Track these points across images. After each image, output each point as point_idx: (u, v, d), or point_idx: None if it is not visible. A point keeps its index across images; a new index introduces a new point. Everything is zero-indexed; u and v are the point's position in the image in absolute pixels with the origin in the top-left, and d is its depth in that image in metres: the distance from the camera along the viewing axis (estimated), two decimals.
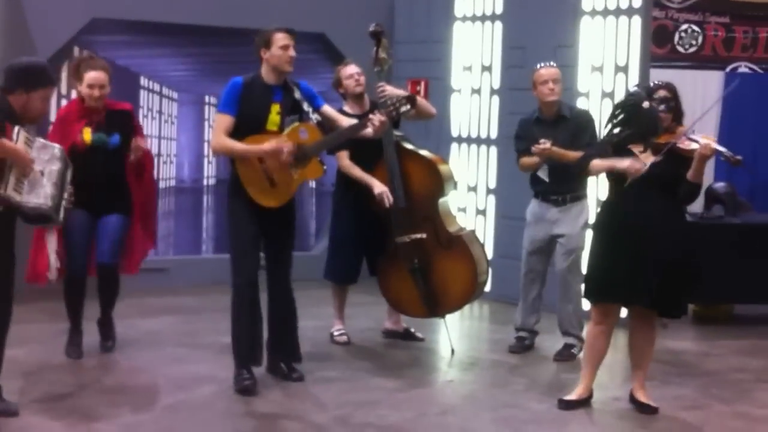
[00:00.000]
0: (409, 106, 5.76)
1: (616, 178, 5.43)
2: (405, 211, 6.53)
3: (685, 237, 5.50)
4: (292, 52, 5.64)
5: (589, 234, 6.73)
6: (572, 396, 5.58)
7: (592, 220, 6.99)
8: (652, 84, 5.56)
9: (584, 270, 6.23)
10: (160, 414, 5.28)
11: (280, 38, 5.62)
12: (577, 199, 6.60)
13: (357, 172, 6.59)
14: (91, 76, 6.12)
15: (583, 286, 5.72)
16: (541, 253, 6.69)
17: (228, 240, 5.83)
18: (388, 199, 6.47)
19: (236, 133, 5.57)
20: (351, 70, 6.71)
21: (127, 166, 6.26)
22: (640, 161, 5.26)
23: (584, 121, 6.57)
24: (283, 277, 5.86)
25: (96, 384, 5.78)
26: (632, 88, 6.23)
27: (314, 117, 5.71)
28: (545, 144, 6.28)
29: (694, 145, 5.18)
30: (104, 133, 6.16)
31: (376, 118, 5.60)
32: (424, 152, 6.74)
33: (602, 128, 5.78)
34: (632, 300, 5.43)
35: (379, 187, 6.49)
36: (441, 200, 6.65)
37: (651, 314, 5.49)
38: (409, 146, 6.68)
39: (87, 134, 6.12)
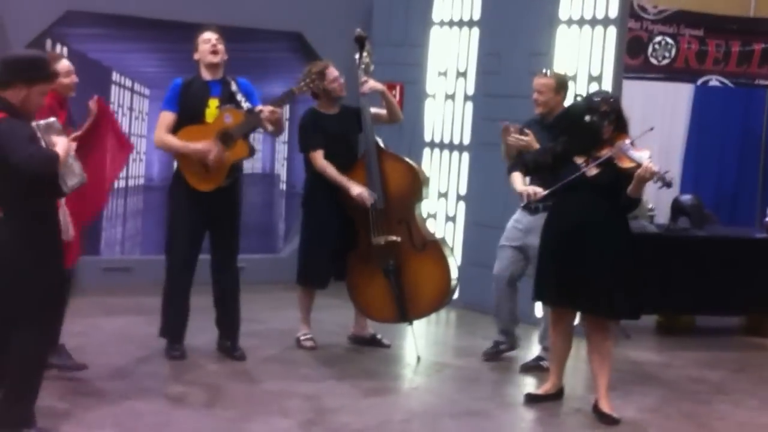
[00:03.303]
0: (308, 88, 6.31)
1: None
2: (382, 212, 6.54)
3: (625, 243, 5.53)
4: (213, 43, 6.17)
5: None
6: (538, 390, 5.72)
7: None
8: (594, 98, 5.56)
9: None
10: (118, 417, 5.23)
11: (203, 36, 6.23)
12: (549, 209, 6.61)
13: (333, 172, 6.56)
14: (65, 63, 5.67)
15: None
16: (513, 255, 6.60)
17: (166, 224, 6.40)
18: (372, 196, 6.49)
19: (179, 127, 6.15)
20: (336, 72, 6.72)
21: None
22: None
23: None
24: (229, 261, 6.35)
25: (56, 383, 5.69)
26: (575, 100, 6.34)
27: (245, 106, 6.11)
28: (528, 136, 6.26)
29: (630, 165, 5.29)
30: None
31: (267, 108, 6.00)
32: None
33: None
34: (569, 304, 5.57)
35: (357, 187, 6.51)
36: (417, 204, 6.69)
37: (603, 322, 5.56)
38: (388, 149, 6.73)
39: None
